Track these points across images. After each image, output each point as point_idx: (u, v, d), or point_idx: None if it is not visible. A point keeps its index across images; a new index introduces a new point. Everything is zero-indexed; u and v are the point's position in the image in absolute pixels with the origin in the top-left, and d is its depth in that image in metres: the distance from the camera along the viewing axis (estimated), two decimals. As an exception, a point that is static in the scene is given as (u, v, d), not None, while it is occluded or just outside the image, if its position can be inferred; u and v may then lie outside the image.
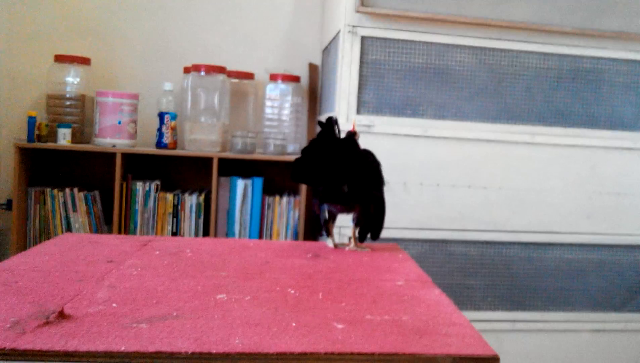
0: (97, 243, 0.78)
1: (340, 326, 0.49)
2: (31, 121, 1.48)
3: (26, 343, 0.42)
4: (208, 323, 0.48)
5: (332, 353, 0.43)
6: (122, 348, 0.42)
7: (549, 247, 1.49)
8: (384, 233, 0.84)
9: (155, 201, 1.53)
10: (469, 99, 1.42)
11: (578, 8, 1.41)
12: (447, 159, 1.42)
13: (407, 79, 1.39)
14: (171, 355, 0.42)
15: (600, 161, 1.49)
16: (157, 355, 0.42)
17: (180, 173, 1.70)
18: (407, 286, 0.64)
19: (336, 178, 0.77)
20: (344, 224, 1.40)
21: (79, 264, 0.67)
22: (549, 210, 1.47)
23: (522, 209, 1.46)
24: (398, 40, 1.38)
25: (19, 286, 0.57)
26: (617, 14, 1.43)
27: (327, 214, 0.83)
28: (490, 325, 1.48)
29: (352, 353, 0.43)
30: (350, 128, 0.84)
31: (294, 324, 0.49)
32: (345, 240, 1.39)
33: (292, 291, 0.59)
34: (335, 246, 0.84)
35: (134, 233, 1.51)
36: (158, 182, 1.54)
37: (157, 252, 0.74)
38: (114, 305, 0.52)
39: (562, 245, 1.50)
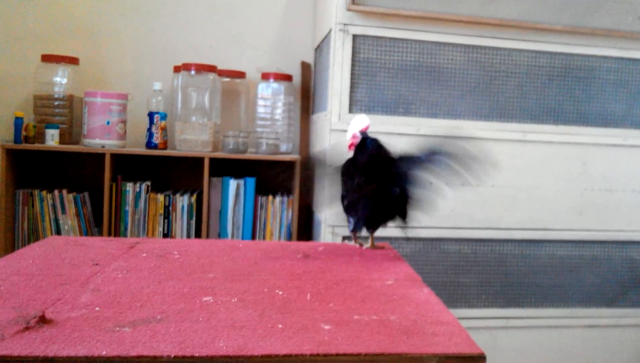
0: (84, 246, 0.77)
1: (327, 327, 0.48)
2: (18, 122, 1.46)
3: (5, 349, 0.41)
4: (192, 326, 0.47)
5: (318, 355, 0.42)
6: (104, 352, 0.41)
7: (541, 244, 1.50)
8: (378, 232, 0.84)
9: (145, 202, 1.51)
10: (461, 97, 1.42)
11: (569, 6, 1.42)
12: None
13: (399, 78, 1.39)
14: (154, 359, 0.41)
15: (591, 158, 1.50)
16: (139, 359, 0.41)
17: (171, 173, 1.69)
18: (396, 285, 0.63)
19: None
20: (337, 224, 1.39)
21: (64, 267, 0.65)
22: (541, 207, 1.48)
23: (515, 207, 1.46)
24: (390, 39, 1.37)
25: (0, 290, 0.55)
26: (608, 12, 1.44)
27: (351, 226, 0.83)
28: (484, 322, 1.48)
29: (337, 355, 0.42)
30: (363, 128, 0.84)
31: (280, 326, 0.48)
32: (339, 240, 1.39)
33: (280, 292, 0.58)
34: (360, 245, 0.85)
35: (125, 234, 1.50)
36: (148, 183, 1.53)
37: (144, 254, 0.73)
38: (97, 309, 0.51)
39: (554, 241, 1.50)
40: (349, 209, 0.81)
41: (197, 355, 0.41)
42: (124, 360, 0.41)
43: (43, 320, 0.47)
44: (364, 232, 0.85)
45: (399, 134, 1.39)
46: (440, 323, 0.50)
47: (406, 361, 0.42)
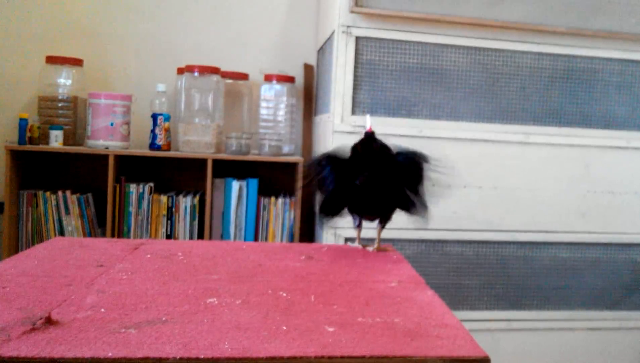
0: (88, 247, 0.77)
1: (331, 329, 0.48)
2: (23, 123, 1.47)
3: (11, 350, 0.42)
4: (197, 327, 0.47)
5: (322, 357, 0.42)
6: (110, 354, 0.41)
7: (543, 246, 1.50)
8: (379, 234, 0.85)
9: (149, 203, 1.52)
10: (464, 99, 1.42)
11: (571, 8, 1.42)
12: (442, 160, 1.42)
13: (402, 80, 1.39)
14: (159, 361, 0.41)
15: (594, 160, 1.50)
16: (145, 361, 0.41)
17: (174, 174, 1.69)
18: (400, 287, 0.64)
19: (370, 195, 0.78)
20: (340, 226, 1.39)
21: (69, 268, 0.66)
22: (543, 209, 1.48)
23: (517, 209, 1.46)
24: (392, 41, 1.38)
25: (6, 291, 0.56)
26: (610, 13, 1.44)
27: (357, 221, 0.84)
28: (486, 325, 1.48)
29: (342, 357, 0.42)
30: (367, 128, 0.85)
31: (284, 328, 0.48)
32: (341, 241, 1.39)
33: (284, 294, 0.58)
34: (363, 247, 0.85)
35: (128, 235, 1.50)
36: (152, 184, 1.53)
37: (148, 256, 0.74)
38: (103, 310, 0.51)
39: (556, 243, 1.50)
40: (352, 207, 0.82)
41: (202, 357, 0.42)
42: (130, 361, 0.41)
43: (49, 321, 0.47)
44: (367, 232, 0.85)
45: (401, 136, 1.39)
46: (444, 326, 0.50)
47: (410, 364, 0.43)
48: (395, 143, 0.85)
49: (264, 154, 1.61)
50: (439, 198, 0.83)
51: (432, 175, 0.83)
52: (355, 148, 0.80)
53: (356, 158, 0.80)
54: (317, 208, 0.82)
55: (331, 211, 0.82)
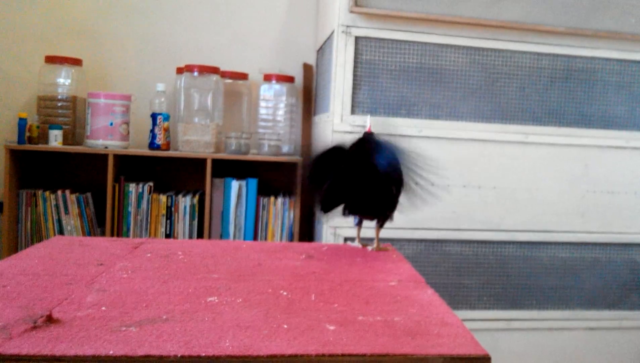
0: (88, 246, 0.77)
1: (332, 327, 0.48)
2: (22, 122, 1.47)
3: (13, 348, 0.42)
4: (198, 326, 0.47)
5: (323, 355, 0.42)
6: (111, 352, 0.42)
7: (543, 246, 1.50)
8: (380, 233, 0.85)
9: (148, 203, 1.52)
10: (463, 99, 1.43)
11: (571, 8, 1.42)
12: (442, 159, 1.42)
13: (402, 79, 1.40)
14: (160, 359, 0.41)
15: (593, 160, 1.50)
16: (146, 359, 0.41)
17: (173, 174, 1.69)
18: (400, 286, 0.64)
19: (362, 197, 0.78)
20: (339, 225, 1.39)
21: (69, 267, 0.66)
22: (543, 209, 1.48)
23: (516, 209, 1.47)
24: (392, 41, 1.38)
25: (6, 290, 0.56)
26: (610, 13, 1.44)
27: (356, 220, 0.84)
28: (486, 324, 1.48)
29: (342, 355, 0.43)
30: (366, 129, 0.85)
31: (285, 326, 0.48)
32: (340, 241, 1.39)
33: (285, 293, 0.59)
34: (363, 246, 0.85)
35: (127, 235, 1.50)
36: (151, 183, 1.53)
37: (149, 255, 0.74)
38: (103, 308, 0.51)
39: (556, 243, 1.50)
40: (350, 208, 0.82)
41: (204, 355, 0.42)
42: (131, 359, 0.41)
43: (50, 320, 0.47)
44: (367, 232, 0.85)
45: (401, 135, 1.40)
46: (444, 325, 0.50)
47: (411, 362, 0.43)
48: (397, 141, 0.84)
49: (263, 154, 1.61)
50: (429, 198, 0.83)
51: (416, 180, 0.83)
52: (350, 147, 0.80)
53: (345, 157, 0.80)
54: (316, 205, 0.83)
55: (327, 207, 0.81)
